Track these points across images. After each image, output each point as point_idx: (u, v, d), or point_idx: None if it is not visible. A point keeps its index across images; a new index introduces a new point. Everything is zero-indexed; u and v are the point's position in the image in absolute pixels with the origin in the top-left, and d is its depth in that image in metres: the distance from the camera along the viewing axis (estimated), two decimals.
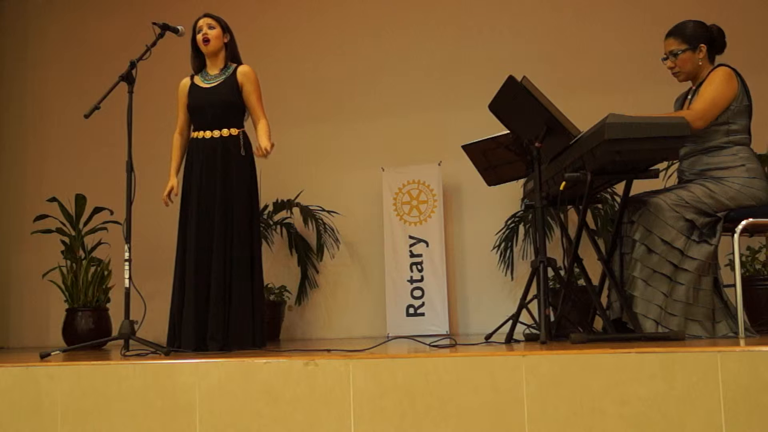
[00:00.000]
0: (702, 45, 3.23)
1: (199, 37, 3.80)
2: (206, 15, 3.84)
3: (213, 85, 3.79)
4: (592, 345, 2.59)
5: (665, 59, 3.30)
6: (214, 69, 3.85)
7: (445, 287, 5.56)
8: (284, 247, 6.07)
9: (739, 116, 3.16)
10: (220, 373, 2.55)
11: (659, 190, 3.21)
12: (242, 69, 3.82)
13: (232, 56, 3.87)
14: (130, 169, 3.51)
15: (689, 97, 3.34)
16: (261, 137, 3.76)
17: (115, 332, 3.55)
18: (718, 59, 3.30)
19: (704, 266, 3.00)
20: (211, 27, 3.80)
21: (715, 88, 3.12)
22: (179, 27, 3.77)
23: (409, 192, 5.76)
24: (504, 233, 5.50)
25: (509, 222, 5.49)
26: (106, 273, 5.43)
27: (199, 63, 3.90)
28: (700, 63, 3.25)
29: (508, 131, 3.85)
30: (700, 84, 3.23)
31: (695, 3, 4.97)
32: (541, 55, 5.72)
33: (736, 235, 3.01)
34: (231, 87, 3.77)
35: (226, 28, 3.85)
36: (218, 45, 3.81)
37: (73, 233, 5.52)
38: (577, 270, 3.48)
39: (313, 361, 2.45)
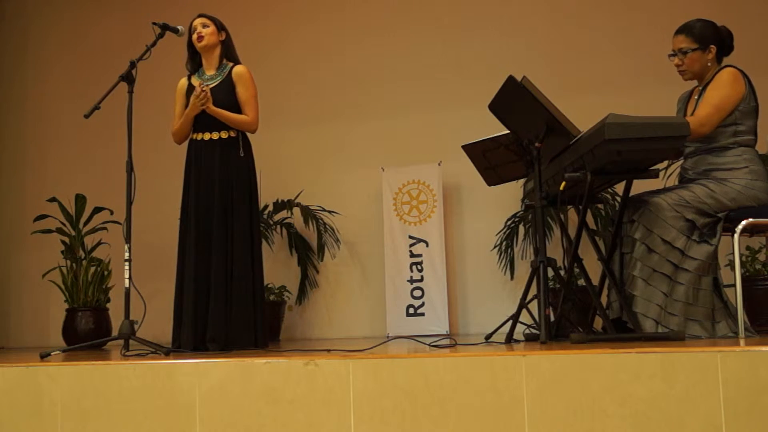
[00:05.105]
0: (712, 46, 3.22)
1: (194, 36, 3.81)
2: (200, 15, 3.85)
3: (210, 86, 3.79)
4: (592, 345, 2.59)
5: (673, 55, 3.28)
6: (210, 69, 3.85)
7: (445, 287, 5.56)
8: (284, 247, 6.07)
9: (746, 117, 3.15)
10: (220, 373, 2.55)
11: (660, 189, 3.21)
12: (237, 69, 3.81)
13: (228, 55, 3.87)
14: (130, 169, 3.51)
15: (695, 97, 3.33)
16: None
17: (115, 332, 3.55)
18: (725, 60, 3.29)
19: (704, 266, 3.00)
20: (205, 26, 3.81)
21: (721, 92, 3.10)
22: (179, 27, 3.78)
23: (409, 192, 5.76)
24: (504, 233, 5.50)
25: (509, 222, 5.49)
26: (106, 273, 5.43)
27: (195, 64, 3.90)
28: (709, 64, 3.24)
29: (508, 131, 3.85)
30: (707, 84, 3.22)
31: (697, 3, 4.97)
32: (541, 55, 5.72)
33: (736, 235, 3.01)
34: (227, 88, 3.77)
35: (220, 27, 3.85)
36: (213, 41, 3.81)
37: (73, 233, 5.52)
38: (577, 270, 3.48)
39: (313, 361, 2.45)
